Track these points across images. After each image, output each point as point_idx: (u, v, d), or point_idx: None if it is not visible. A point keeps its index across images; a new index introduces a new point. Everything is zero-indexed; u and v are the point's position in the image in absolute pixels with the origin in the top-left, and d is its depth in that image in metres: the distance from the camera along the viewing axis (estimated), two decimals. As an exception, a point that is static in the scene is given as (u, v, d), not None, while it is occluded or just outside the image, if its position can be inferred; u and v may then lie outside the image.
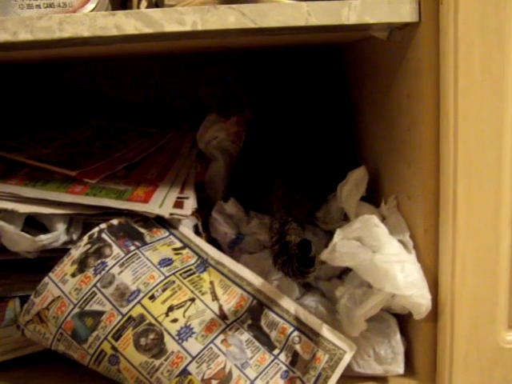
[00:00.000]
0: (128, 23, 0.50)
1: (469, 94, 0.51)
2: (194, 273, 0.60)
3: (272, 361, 0.56)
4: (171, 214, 0.62)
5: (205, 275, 0.60)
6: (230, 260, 0.62)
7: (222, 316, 0.57)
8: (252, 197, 0.74)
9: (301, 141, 0.74)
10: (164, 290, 0.56)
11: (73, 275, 0.56)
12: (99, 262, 0.57)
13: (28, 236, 0.58)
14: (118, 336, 0.54)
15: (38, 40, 0.50)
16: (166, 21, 0.50)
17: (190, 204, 0.66)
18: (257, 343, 0.57)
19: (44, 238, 0.58)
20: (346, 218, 0.67)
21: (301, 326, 0.57)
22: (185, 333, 0.54)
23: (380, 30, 0.59)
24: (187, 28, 0.51)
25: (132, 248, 0.59)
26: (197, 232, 0.67)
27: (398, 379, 0.59)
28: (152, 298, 0.55)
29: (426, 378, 0.58)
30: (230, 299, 0.58)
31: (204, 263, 0.61)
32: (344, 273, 0.65)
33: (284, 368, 0.56)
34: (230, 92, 0.88)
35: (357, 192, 0.64)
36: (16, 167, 0.69)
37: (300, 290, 0.65)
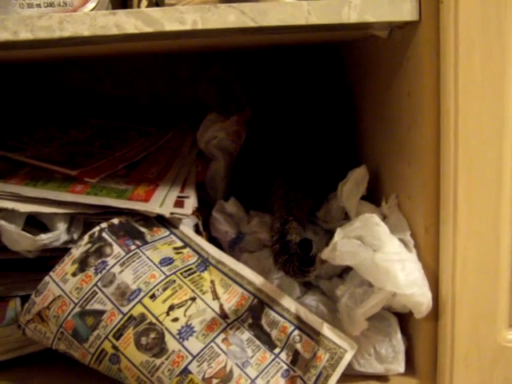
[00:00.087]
0: (128, 22, 0.50)
1: (469, 92, 0.51)
2: (194, 272, 0.60)
3: (273, 360, 0.56)
4: (172, 213, 0.62)
5: (205, 274, 0.60)
6: (230, 259, 0.62)
7: (223, 315, 0.57)
8: (252, 196, 0.74)
9: (301, 140, 0.74)
10: (165, 290, 0.56)
11: (73, 274, 0.56)
12: (100, 261, 0.57)
13: (29, 235, 0.58)
14: (118, 335, 0.54)
15: (39, 39, 0.50)
16: (166, 20, 0.50)
17: (191, 203, 0.66)
18: (257, 342, 0.57)
19: (45, 238, 0.58)
20: (346, 217, 0.68)
21: (301, 325, 0.57)
22: (185, 332, 0.54)
23: (380, 29, 0.59)
24: (187, 27, 0.51)
25: (133, 247, 0.59)
26: (197, 231, 0.67)
27: (399, 378, 0.59)
28: (153, 297, 0.55)
29: (426, 377, 0.58)
30: (231, 298, 0.58)
31: (205, 262, 0.61)
32: (345, 272, 0.65)
33: (285, 367, 0.56)
34: (230, 91, 0.88)
35: (357, 191, 0.64)
36: (17, 166, 0.69)
37: (301, 288, 0.65)
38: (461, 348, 0.55)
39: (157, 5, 0.59)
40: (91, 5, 0.54)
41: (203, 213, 0.70)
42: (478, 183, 0.52)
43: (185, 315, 0.55)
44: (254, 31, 0.54)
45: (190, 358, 0.53)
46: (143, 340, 0.54)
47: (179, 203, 0.65)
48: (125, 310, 0.55)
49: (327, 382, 0.54)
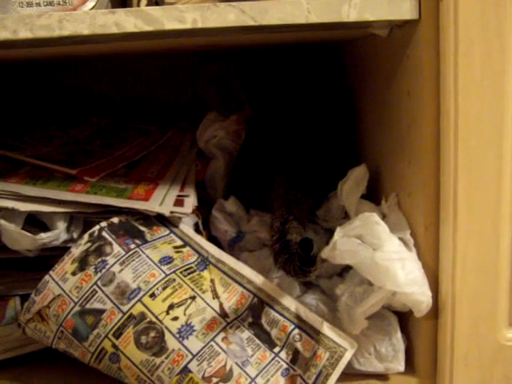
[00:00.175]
0: (128, 21, 0.50)
1: (469, 91, 0.51)
2: (194, 271, 0.60)
3: (273, 359, 0.56)
4: (172, 212, 0.62)
5: (205, 273, 0.60)
6: (230, 258, 0.62)
7: (223, 314, 0.57)
8: (252, 195, 0.74)
9: (301, 139, 0.74)
10: (164, 288, 0.56)
11: (73, 273, 0.56)
12: (100, 260, 0.57)
13: (28, 234, 0.58)
14: (118, 334, 0.54)
15: (38, 38, 0.50)
16: (166, 19, 0.50)
17: (191, 202, 0.66)
18: (257, 341, 0.57)
19: (44, 237, 0.58)
20: (346, 216, 0.67)
21: (301, 324, 0.57)
22: (185, 331, 0.54)
23: (380, 28, 0.59)
24: (187, 26, 0.51)
25: (132, 246, 0.59)
26: (197, 230, 0.67)
27: (399, 377, 0.59)
28: (152, 296, 0.55)
29: (426, 376, 0.58)
30: (231, 297, 0.58)
31: (204, 261, 0.61)
32: (345, 271, 0.65)
33: (285, 366, 0.56)
34: (229, 90, 0.88)
35: (357, 190, 0.64)
36: (16, 166, 0.69)
37: (301, 287, 0.65)
38: (461, 347, 0.55)
39: (156, 4, 0.59)
40: (91, 4, 0.54)
41: (203, 212, 0.70)
42: (477, 182, 0.52)
43: (185, 314, 0.55)
44: (253, 30, 0.54)
45: (190, 356, 0.53)
46: (143, 339, 0.54)
47: (179, 202, 0.65)
48: (125, 308, 0.55)
49: (327, 381, 0.54)
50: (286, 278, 0.63)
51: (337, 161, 0.73)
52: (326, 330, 0.56)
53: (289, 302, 0.59)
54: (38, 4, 0.53)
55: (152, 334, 0.54)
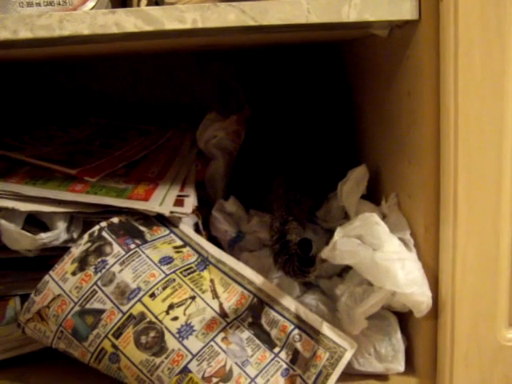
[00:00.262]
0: (128, 21, 0.50)
1: (469, 92, 0.51)
2: (194, 271, 0.60)
3: (272, 359, 0.56)
4: (171, 212, 0.62)
5: (205, 273, 0.60)
6: (230, 258, 0.62)
7: (223, 314, 0.57)
8: (252, 195, 0.74)
9: (301, 139, 0.74)
10: (164, 288, 0.56)
11: (73, 273, 0.56)
12: (100, 260, 0.57)
13: (28, 234, 0.58)
14: (118, 334, 0.54)
15: (38, 38, 0.50)
16: (166, 19, 0.50)
17: (191, 202, 0.66)
18: (257, 341, 0.57)
19: (44, 237, 0.58)
20: (346, 217, 0.67)
21: (301, 324, 0.57)
22: (185, 331, 0.54)
23: (380, 28, 0.59)
24: (187, 26, 0.51)
25: (132, 246, 0.59)
26: (197, 230, 0.67)
27: (399, 377, 0.59)
28: (152, 296, 0.55)
29: (426, 376, 0.58)
30: (231, 297, 0.58)
31: (204, 261, 0.61)
32: (344, 271, 0.65)
33: (284, 366, 0.56)
34: (229, 90, 0.88)
35: (357, 190, 0.64)
36: (16, 166, 0.69)
37: (300, 288, 0.65)
38: (461, 347, 0.55)
39: (156, 4, 0.59)
40: (91, 4, 0.54)
41: (203, 212, 0.70)
42: (477, 182, 0.52)
43: (184, 314, 0.55)
44: (253, 30, 0.54)
45: (190, 356, 0.53)
46: (143, 339, 0.54)
47: (179, 202, 0.65)
48: (124, 308, 0.55)
49: (327, 381, 0.54)
50: (286, 278, 0.63)
51: (337, 161, 0.73)
52: (326, 330, 0.56)
53: (289, 303, 0.59)
54: (39, 4, 0.53)
55: (152, 334, 0.54)
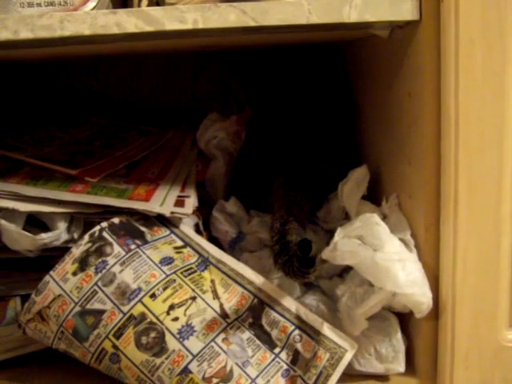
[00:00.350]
0: (129, 21, 0.50)
1: (470, 92, 0.51)
2: (194, 271, 0.60)
3: (273, 359, 0.56)
4: (172, 213, 0.62)
5: (206, 274, 0.60)
6: (230, 259, 0.62)
7: (223, 315, 0.57)
8: (253, 196, 0.74)
9: (301, 140, 0.74)
10: (165, 289, 0.56)
11: (74, 274, 0.56)
12: (100, 260, 0.57)
13: (29, 235, 0.58)
14: (119, 334, 0.54)
15: (39, 38, 0.50)
16: (166, 19, 0.50)
17: (191, 203, 0.66)
18: (258, 342, 0.57)
19: (45, 237, 0.58)
20: (347, 217, 0.67)
21: (302, 325, 0.57)
22: (186, 331, 0.54)
23: (381, 29, 0.59)
24: (188, 26, 0.51)
25: (133, 247, 0.59)
26: (198, 231, 0.67)
27: (399, 378, 0.59)
28: (153, 296, 0.55)
29: (426, 377, 0.58)
30: (231, 298, 0.58)
31: (205, 262, 0.61)
32: (345, 271, 0.65)
33: (285, 367, 0.56)
34: (229, 91, 0.88)
35: (358, 191, 0.64)
36: (17, 166, 0.69)
37: (301, 288, 0.65)
38: (461, 348, 0.55)
39: (157, 4, 0.59)
40: (92, 4, 0.54)
41: (203, 212, 0.70)
42: (478, 183, 0.52)
43: (185, 315, 0.55)
44: (254, 30, 0.54)
45: (190, 357, 0.53)
46: (143, 339, 0.54)
47: (179, 203, 0.65)
48: (125, 309, 0.55)
49: (327, 382, 0.54)
50: (287, 278, 0.63)
51: (337, 161, 0.73)
52: (327, 330, 0.56)
53: (289, 303, 0.59)
54: (39, 4, 0.53)
55: (152, 335, 0.54)
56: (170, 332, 0.54)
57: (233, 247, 0.71)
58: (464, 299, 0.54)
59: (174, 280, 0.57)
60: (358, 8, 0.51)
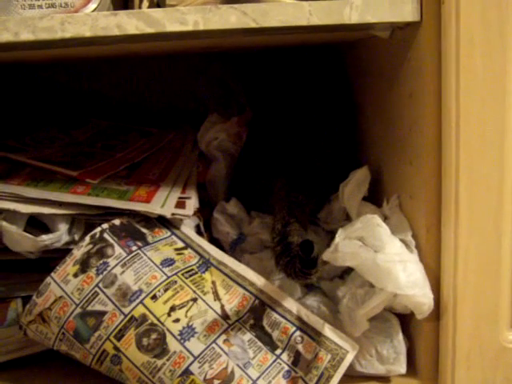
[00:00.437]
0: (130, 23, 0.50)
1: (471, 93, 0.51)
2: (195, 273, 0.60)
3: (274, 361, 0.56)
4: (173, 214, 0.62)
5: (207, 275, 0.60)
6: (231, 260, 0.62)
7: (224, 316, 0.57)
8: (253, 197, 0.74)
9: (302, 141, 0.74)
10: (166, 290, 0.56)
11: (75, 275, 0.56)
12: (101, 262, 0.57)
13: (30, 236, 0.58)
14: (120, 336, 0.54)
15: (40, 40, 0.50)
16: (167, 21, 0.50)
17: (192, 204, 0.66)
18: (259, 343, 0.57)
19: (46, 238, 0.58)
20: (348, 218, 0.67)
21: (303, 326, 0.57)
22: (187, 333, 0.54)
23: (382, 30, 0.59)
24: (189, 28, 0.51)
25: (134, 248, 0.59)
26: (199, 232, 0.67)
27: (401, 379, 0.59)
28: (154, 298, 0.55)
29: (428, 378, 0.58)
30: (232, 299, 0.58)
31: (206, 263, 0.61)
32: (346, 272, 0.65)
33: (286, 368, 0.56)
34: (230, 92, 0.88)
35: (359, 192, 0.64)
36: (18, 167, 0.69)
37: (302, 289, 0.64)
38: (462, 349, 0.55)
39: (158, 6, 0.59)
40: (92, 6, 0.54)
41: (204, 213, 0.70)
42: (479, 183, 0.52)
43: (186, 316, 0.55)
44: (255, 32, 0.54)
45: (192, 358, 0.53)
46: (144, 341, 0.54)
47: (180, 204, 0.65)
48: (126, 310, 0.55)
49: (329, 383, 0.54)
50: (288, 280, 0.63)
51: (338, 163, 0.73)
52: (328, 331, 0.56)
53: (290, 304, 0.59)
54: (40, 6, 0.53)
55: (153, 336, 0.54)
56: (171, 333, 0.54)
57: (234, 248, 0.71)
58: (465, 300, 0.54)
59: (175, 281, 0.57)
60: (358, 9, 0.51)
